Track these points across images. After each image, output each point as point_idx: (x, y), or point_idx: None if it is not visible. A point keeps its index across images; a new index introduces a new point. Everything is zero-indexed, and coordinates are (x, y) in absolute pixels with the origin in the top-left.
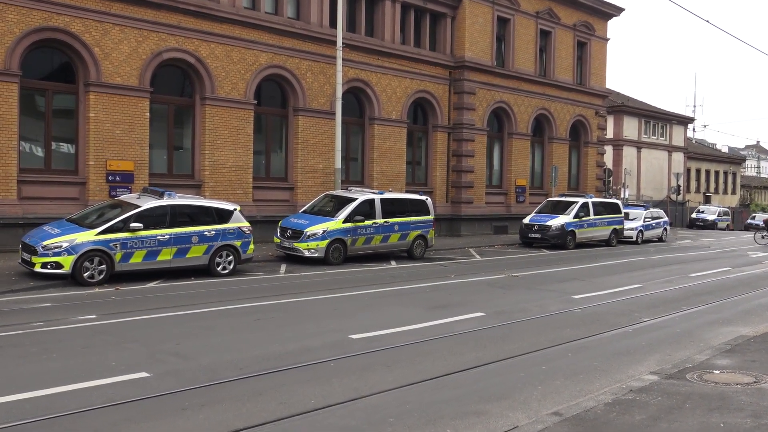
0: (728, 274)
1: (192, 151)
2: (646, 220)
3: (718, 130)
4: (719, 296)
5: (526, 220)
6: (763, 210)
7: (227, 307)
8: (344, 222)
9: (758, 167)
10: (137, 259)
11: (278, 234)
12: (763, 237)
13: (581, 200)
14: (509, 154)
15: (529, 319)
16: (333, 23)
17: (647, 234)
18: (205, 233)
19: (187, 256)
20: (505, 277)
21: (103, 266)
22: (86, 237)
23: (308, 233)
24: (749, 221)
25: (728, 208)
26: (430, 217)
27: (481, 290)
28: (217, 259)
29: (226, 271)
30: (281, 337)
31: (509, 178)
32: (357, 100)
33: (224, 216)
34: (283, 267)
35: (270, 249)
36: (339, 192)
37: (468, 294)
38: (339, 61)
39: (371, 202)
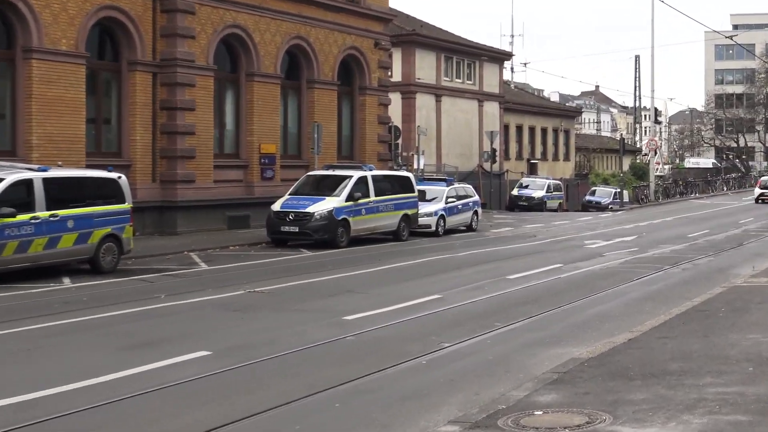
0: (559, 274)
1: None
2: (450, 200)
3: (543, 71)
4: (546, 305)
5: (277, 206)
6: (606, 182)
7: None
8: None
9: (598, 122)
10: None
11: None
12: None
13: (357, 174)
14: (249, 107)
15: (280, 355)
16: None
17: (451, 221)
18: None
19: None
20: (244, 293)
21: None
22: None
23: None
24: (588, 198)
25: (560, 180)
26: (126, 206)
27: (208, 316)
28: None
29: None
30: None
31: (250, 143)
32: (2, 21)
33: None
34: None
35: None
36: None
37: (187, 323)
38: None
39: (28, 184)
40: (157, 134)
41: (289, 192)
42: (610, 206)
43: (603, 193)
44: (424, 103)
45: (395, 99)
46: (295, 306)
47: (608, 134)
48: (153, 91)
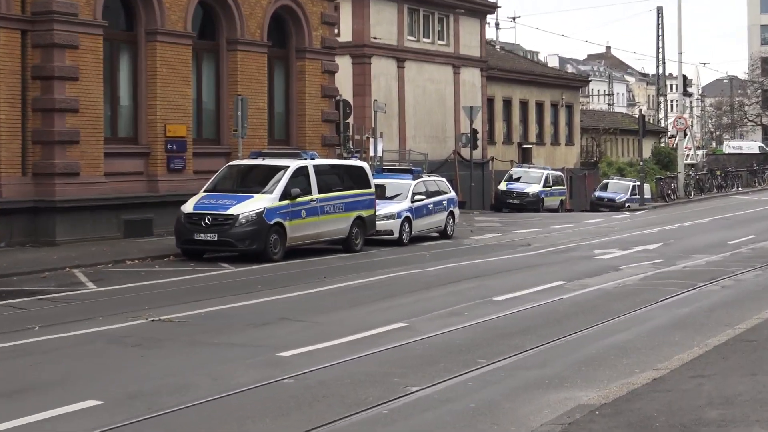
0: (560, 294)
1: None
2: (417, 198)
3: (538, 27)
4: (544, 336)
5: (189, 207)
6: (621, 172)
7: None
8: None
9: (610, 94)
10: None
11: None
12: None
13: (294, 164)
14: (151, 75)
15: (194, 405)
16: None
17: (419, 225)
18: None
19: None
20: (146, 323)
21: None
22: None
23: None
24: (598, 194)
25: (562, 170)
26: None
27: (98, 354)
28: None
29: None
30: None
31: (153, 124)
32: None
33: None
34: None
35: None
36: None
37: (70, 363)
38: None
39: None
40: (27, 112)
41: (204, 188)
42: (626, 204)
43: (617, 188)
44: (382, 69)
45: (344, 65)
46: (214, 339)
47: (623, 110)
48: (22, 54)
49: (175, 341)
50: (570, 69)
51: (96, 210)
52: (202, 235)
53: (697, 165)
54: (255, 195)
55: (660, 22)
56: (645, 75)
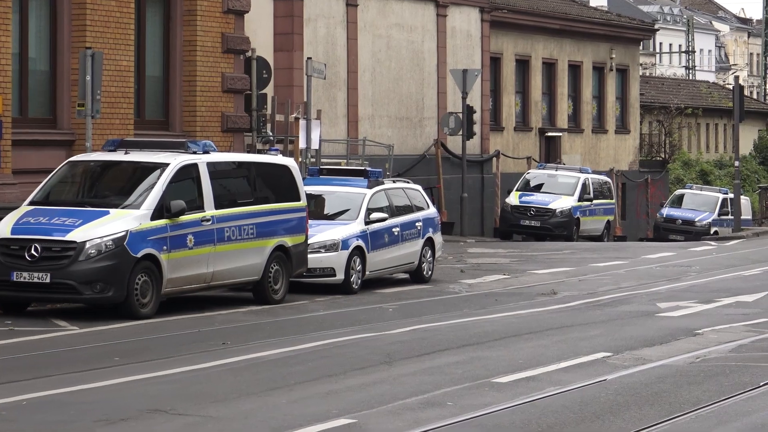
0: (602, 373)
1: None
2: (375, 217)
3: None
4: None
5: (4, 231)
6: (705, 178)
7: None
8: None
9: (690, 51)
10: None
11: None
12: None
13: (176, 161)
14: None
15: None
16: None
17: (378, 260)
18: None
19: None
20: None
21: None
22: None
23: None
24: (668, 212)
25: (611, 174)
26: None
27: None
28: None
29: None
30: None
31: None
32: None
33: None
34: None
35: None
36: None
37: None
38: None
39: None
40: None
41: (30, 198)
42: (712, 229)
43: (698, 203)
44: (322, 9)
45: (260, 1)
46: None
47: (711, 77)
48: None
49: None
50: (625, 10)
51: None
52: (25, 274)
53: None
54: (112, 210)
55: None
56: (746, 21)
